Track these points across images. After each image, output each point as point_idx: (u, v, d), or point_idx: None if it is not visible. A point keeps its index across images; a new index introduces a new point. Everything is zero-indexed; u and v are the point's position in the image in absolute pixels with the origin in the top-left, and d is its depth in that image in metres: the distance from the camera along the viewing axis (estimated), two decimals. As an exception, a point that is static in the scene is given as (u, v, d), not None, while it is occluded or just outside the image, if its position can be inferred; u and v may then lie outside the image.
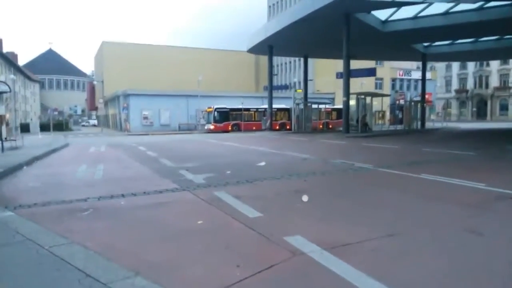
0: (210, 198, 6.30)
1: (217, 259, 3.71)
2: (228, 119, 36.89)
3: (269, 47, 34.17)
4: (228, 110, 37.18)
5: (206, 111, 38.06)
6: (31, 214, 5.36)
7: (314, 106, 38.02)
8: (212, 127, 36.12)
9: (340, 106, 42.86)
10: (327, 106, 40.72)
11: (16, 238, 4.07)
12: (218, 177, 8.50)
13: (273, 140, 22.88)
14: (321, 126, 37.90)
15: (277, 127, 36.29)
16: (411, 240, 4.22)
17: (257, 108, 39.33)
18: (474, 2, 21.83)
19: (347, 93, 26.09)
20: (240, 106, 37.71)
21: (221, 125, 36.28)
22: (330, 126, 39.11)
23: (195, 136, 28.83)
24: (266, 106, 39.44)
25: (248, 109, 38.43)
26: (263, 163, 10.78)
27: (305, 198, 6.15)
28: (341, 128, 35.75)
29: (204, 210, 5.69)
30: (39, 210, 5.74)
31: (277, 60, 57.99)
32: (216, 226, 4.84)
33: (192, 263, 3.62)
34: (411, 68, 62.30)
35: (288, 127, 37.13)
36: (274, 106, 37.71)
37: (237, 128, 36.86)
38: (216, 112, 36.25)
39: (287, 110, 37.85)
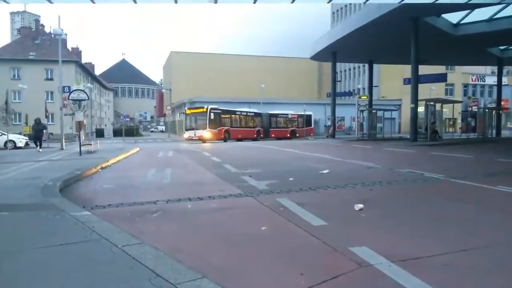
0: (273, 205, 6.31)
1: (280, 266, 3.69)
2: (221, 124, 31.15)
3: (332, 54, 33.85)
4: (220, 111, 31.18)
5: (185, 112, 31.68)
6: (106, 214, 5.69)
7: (278, 112, 37.24)
8: (208, 134, 29.25)
9: (306, 113, 39.11)
10: (293, 113, 38.58)
11: (92, 236, 4.33)
12: (281, 183, 8.49)
13: (335, 147, 22.49)
14: (288, 135, 36.45)
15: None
16: (488, 257, 3.91)
17: (247, 112, 35.00)
18: (560, 1, 20.07)
19: (415, 100, 25.14)
20: (231, 109, 33.16)
21: (216, 131, 30.08)
22: (297, 135, 37.36)
23: (255, 143, 29.09)
24: (255, 110, 37.00)
25: (234, 112, 33.54)
26: (326, 171, 10.62)
27: (360, 206, 5.98)
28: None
29: (268, 216, 5.70)
30: (113, 211, 6.09)
31: (340, 66, 57.20)
32: (279, 232, 4.83)
33: (256, 269, 3.65)
34: (485, 73, 58.52)
35: (297, 134, 36.79)
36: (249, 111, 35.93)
37: (228, 136, 31.56)
38: (212, 114, 29.70)
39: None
